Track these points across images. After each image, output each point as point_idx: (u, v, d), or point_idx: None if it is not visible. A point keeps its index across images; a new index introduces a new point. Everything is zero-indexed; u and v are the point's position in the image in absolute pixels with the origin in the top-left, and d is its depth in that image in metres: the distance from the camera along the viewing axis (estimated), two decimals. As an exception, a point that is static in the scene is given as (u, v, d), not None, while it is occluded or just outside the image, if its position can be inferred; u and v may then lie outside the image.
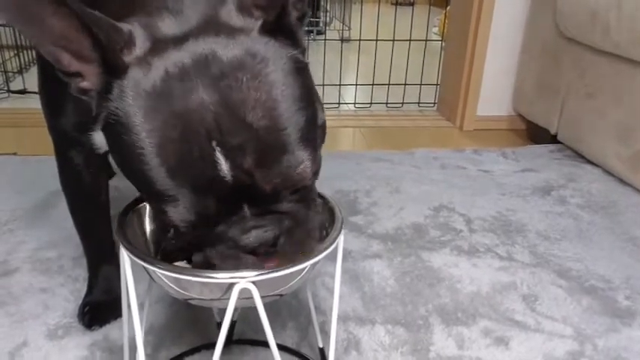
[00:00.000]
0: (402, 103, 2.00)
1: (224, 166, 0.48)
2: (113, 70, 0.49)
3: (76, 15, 0.46)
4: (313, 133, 0.52)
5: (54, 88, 0.70)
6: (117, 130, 0.49)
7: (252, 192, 0.50)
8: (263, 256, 0.53)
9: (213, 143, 0.47)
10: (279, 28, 0.51)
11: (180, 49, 0.49)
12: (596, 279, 0.99)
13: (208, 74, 0.48)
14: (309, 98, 0.52)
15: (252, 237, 0.52)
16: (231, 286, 0.51)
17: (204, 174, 0.48)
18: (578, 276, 1.00)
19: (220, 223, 0.52)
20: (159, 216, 0.52)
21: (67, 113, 0.70)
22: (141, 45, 0.49)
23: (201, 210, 0.49)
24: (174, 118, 0.47)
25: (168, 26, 0.50)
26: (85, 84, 0.51)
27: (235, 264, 0.53)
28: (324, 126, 0.56)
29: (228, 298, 0.52)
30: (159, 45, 0.49)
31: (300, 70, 0.52)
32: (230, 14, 0.51)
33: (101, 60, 0.49)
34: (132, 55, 0.49)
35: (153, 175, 0.48)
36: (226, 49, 0.49)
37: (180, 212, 0.49)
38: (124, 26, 0.49)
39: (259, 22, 0.51)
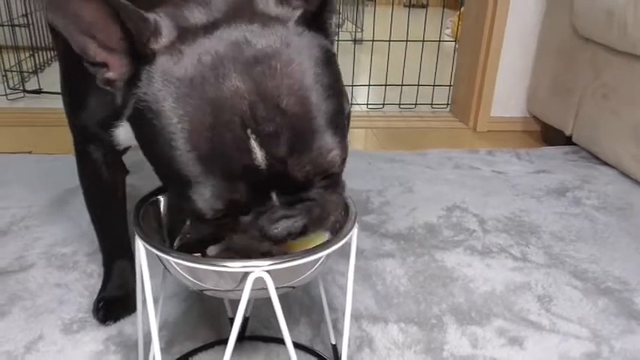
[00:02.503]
0: (415, 104, 1.99)
1: (259, 154, 0.48)
2: (141, 58, 0.49)
3: (106, 3, 0.46)
4: (342, 121, 0.53)
5: (76, 84, 0.71)
6: (145, 116, 0.50)
7: (283, 180, 0.50)
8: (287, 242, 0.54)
9: (248, 131, 0.47)
10: (315, 19, 0.52)
11: (211, 36, 0.49)
12: (612, 281, 0.98)
13: (242, 61, 0.48)
14: (338, 87, 0.53)
15: (281, 227, 0.52)
16: (245, 276, 0.51)
17: (238, 162, 0.48)
18: (594, 277, 0.99)
19: (249, 212, 0.52)
20: (183, 205, 0.51)
21: (90, 109, 0.71)
22: (167, 34, 0.50)
23: (231, 198, 0.49)
24: (207, 104, 0.48)
25: (195, 16, 0.51)
26: (110, 74, 0.51)
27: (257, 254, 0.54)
28: (349, 115, 0.57)
29: (242, 290, 0.52)
30: (187, 33, 0.50)
31: (330, 60, 0.53)
32: (267, 2, 0.52)
33: (129, 49, 0.49)
34: (159, 43, 0.49)
35: (183, 161, 0.48)
36: (260, 37, 0.49)
37: (208, 200, 0.49)
38: (150, 15, 0.49)
39: (298, 12, 0.51)
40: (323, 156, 0.50)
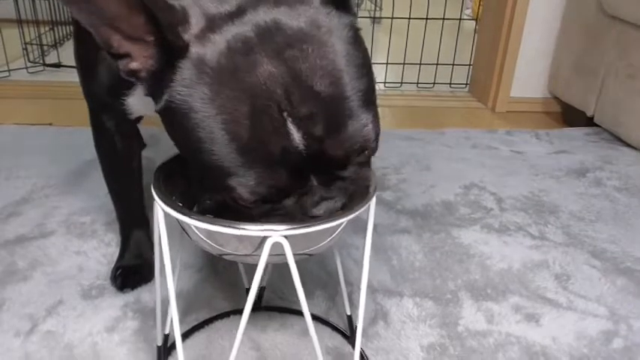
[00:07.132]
0: (434, 84, 1.96)
1: (296, 136, 0.48)
2: (172, 49, 0.48)
3: None
4: (373, 97, 0.53)
5: (88, 52, 0.71)
6: (181, 111, 0.49)
7: (321, 160, 0.50)
8: None
9: (284, 114, 0.48)
10: None
11: (239, 22, 0.49)
12: (631, 261, 0.97)
13: (273, 45, 0.48)
14: (367, 64, 0.53)
15: (323, 209, 0.53)
16: (263, 240, 0.51)
17: (277, 147, 0.48)
18: (613, 257, 0.97)
19: (289, 195, 0.52)
20: (223, 193, 0.52)
21: (100, 77, 0.71)
22: (196, 22, 0.49)
23: (273, 183, 0.50)
24: (243, 93, 0.47)
25: (219, 3, 0.50)
26: (134, 65, 0.50)
27: None
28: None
29: (260, 255, 0.52)
30: (215, 21, 0.49)
31: (358, 38, 0.53)
32: None
33: (156, 40, 0.48)
34: (189, 33, 0.49)
35: (223, 152, 0.48)
36: (289, 20, 0.49)
37: (250, 187, 0.49)
38: (176, 4, 0.48)
39: None
40: (358, 134, 0.51)
